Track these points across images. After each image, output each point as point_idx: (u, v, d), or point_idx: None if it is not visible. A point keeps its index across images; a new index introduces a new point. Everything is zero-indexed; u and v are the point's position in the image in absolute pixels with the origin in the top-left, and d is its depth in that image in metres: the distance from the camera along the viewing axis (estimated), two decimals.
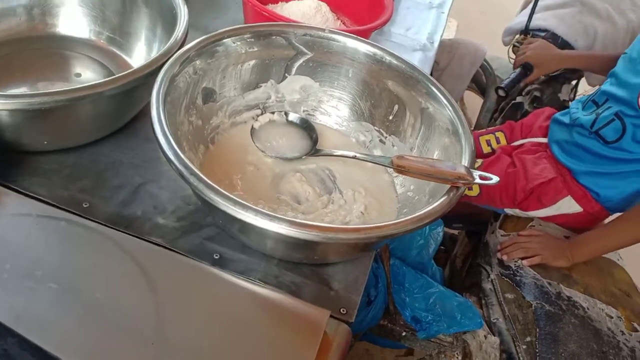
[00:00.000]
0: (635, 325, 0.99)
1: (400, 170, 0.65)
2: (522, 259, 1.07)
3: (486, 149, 1.38)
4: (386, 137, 0.80)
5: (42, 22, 0.86)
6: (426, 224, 0.56)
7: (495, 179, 0.58)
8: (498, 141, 1.38)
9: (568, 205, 1.16)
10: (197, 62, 0.68)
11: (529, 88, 1.68)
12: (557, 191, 1.17)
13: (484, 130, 1.45)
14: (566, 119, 1.21)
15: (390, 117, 0.79)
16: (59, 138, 0.69)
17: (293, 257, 0.65)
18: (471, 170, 0.60)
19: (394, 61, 0.76)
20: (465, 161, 0.64)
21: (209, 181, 0.53)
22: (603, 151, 1.10)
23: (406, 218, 0.55)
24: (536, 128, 1.31)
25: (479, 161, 1.29)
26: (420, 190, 0.72)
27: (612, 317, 0.99)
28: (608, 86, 1.13)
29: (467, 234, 1.45)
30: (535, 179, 1.17)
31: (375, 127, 0.81)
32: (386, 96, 0.79)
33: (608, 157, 1.10)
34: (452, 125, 0.69)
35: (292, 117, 0.80)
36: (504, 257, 1.08)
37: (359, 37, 0.78)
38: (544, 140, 1.26)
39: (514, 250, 1.09)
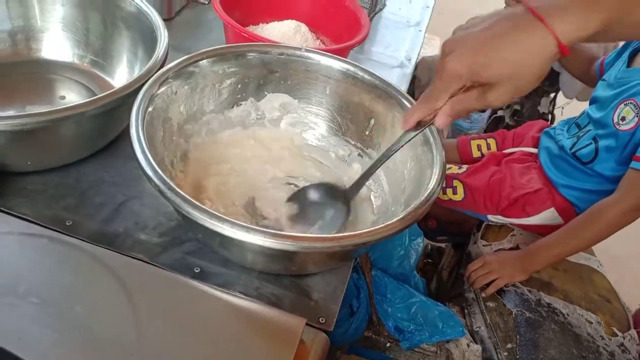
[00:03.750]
0: (615, 330, 1.01)
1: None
2: (487, 285, 1.07)
3: (476, 153, 1.41)
4: (365, 150, 0.83)
5: (27, 47, 0.88)
6: (398, 231, 0.58)
7: None
8: (489, 147, 1.41)
9: (551, 217, 1.19)
10: (176, 82, 0.70)
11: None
12: (541, 202, 1.19)
13: (476, 134, 1.47)
14: (555, 135, 1.25)
15: (367, 132, 0.82)
16: (42, 158, 0.70)
17: (272, 269, 0.67)
18: None
19: (367, 77, 0.78)
20: (436, 171, 0.66)
21: (186, 196, 0.55)
22: (583, 169, 1.14)
23: (378, 226, 0.58)
24: (528, 138, 1.35)
25: (464, 167, 1.32)
26: (396, 201, 0.74)
27: (591, 323, 1.00)
28: (590, 110, 1.18)
29: (453, 246, 1.47)
30: (522, 188, 1.20)
31: (353, 142, 0.84)
32: (361, 111, 0.81)
33: (588, 174, 1.14)
34: (423, 135, 0.72)
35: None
36: (474, 286, 1.08)
37: (332, 55, 0.80)
38: (535, 150, 1.30)
39: (476, 283, 1.09)
